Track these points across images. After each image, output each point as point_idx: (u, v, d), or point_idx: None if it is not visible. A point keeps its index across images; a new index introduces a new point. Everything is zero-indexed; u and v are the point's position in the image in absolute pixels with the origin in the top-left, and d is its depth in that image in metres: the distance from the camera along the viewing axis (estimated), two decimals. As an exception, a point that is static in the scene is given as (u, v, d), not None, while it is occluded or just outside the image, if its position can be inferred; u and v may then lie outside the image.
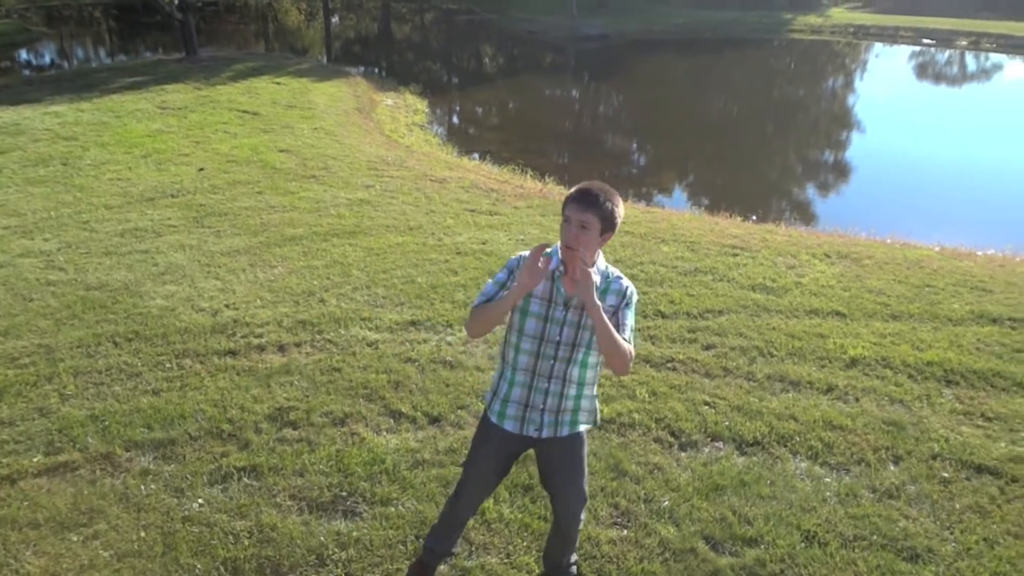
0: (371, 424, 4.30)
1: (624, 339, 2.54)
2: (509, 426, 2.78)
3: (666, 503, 3.75)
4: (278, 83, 16.22)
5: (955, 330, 5.72)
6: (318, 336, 5.27)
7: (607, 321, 2.48)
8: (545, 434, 2.77)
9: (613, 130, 19.07)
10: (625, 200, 10.62)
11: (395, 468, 3.91)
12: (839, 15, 42.27)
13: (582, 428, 2.82)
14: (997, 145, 16.33)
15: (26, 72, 21.11)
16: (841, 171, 14.97)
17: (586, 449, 2.91)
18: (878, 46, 34.92)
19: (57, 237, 6.96)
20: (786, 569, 3.39)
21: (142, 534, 3.44)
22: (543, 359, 2.67)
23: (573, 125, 18.99)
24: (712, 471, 4.01)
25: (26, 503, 3.60)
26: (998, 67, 30.39)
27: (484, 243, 7.21)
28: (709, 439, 4.31)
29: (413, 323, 5.52)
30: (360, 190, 8.84)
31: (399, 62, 27.08)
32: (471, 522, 3.42)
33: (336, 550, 3.38)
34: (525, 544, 3.45)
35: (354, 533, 3.47)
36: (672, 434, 4.32)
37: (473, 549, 3.42)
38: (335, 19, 39.02)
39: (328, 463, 3.94)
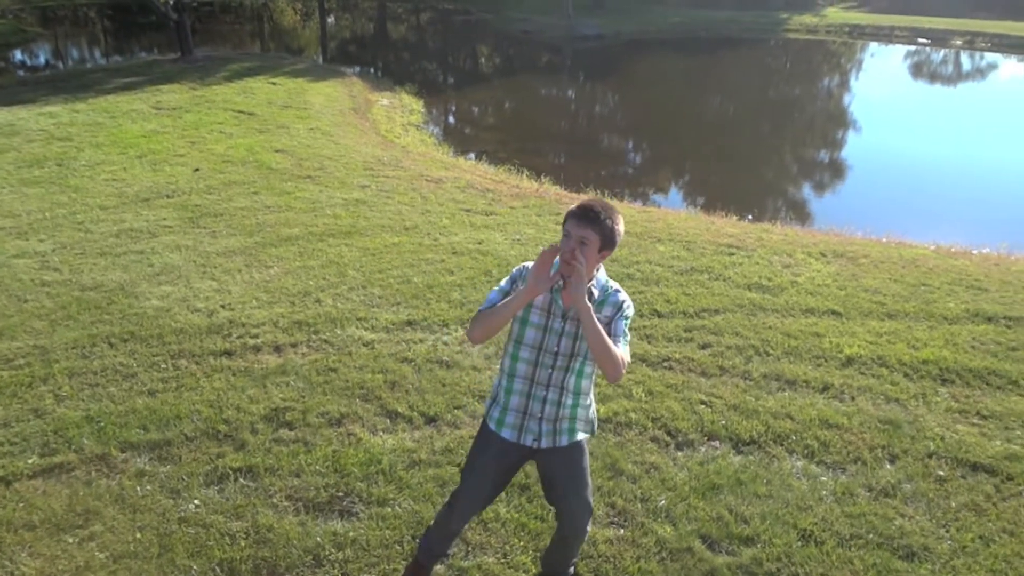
0: (367, 424, 4.30)
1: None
2: (507, 434, 2.79)
3: (663, 502, 3.75)
4: (274, 83, 16.20)
5: (951, 329, 5.73)
6: (314, 336, 5.26)
7: (598, 324, 2.50)
8: (544, 444, 2.77)
9: (609, 130, 19.08)
10: (621, 200, 10.61)
11: (391, 468, 3.91)
12: (835, 15, 42.29)
13: (580, 437, 2.83)
14: (992, 144, 16.37)
15: (21, 72, 21.04)
16: (837, 170, 14.99)
17: (587, 459, 2.91)
18: (873, 45, 34.95)
19: (52, 238, 6.94)
20: (782, 568, 3.39)
21: (138, 535, 3.43)
22: (541, 368, 2.70)
23: (569, 125, 18.99)
24: (708, 470, 4.01)
25: (21, 504, 3.59)
26: (993, 66, 30.46)
27: (480, 243, 7.21)
28: (705, 438, 4.31)
29: (409, 323, 5.52)
30: (356, 190, 8.83)
31: (395, 62, 27.05)
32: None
33: (332, 550, 3.38)
34: (522, 544, 3.45)
35: (350, 533, 3.47)
36: (668, 433, 4.33)
37: (470, 549, 3.41)
38: (331, 19, 38.99)
39: (324, 463, 3.93)
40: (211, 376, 4.71)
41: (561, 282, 2.55)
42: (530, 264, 2.59)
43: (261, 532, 3.46)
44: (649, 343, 5.34)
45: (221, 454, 3.99)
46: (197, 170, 9.30)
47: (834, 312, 5.94)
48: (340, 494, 3.73)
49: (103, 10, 34.26)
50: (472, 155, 13.05)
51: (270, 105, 13.87)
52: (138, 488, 3.72)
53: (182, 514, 3.56)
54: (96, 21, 33.73)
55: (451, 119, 18.58)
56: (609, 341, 2.51)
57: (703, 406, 4.59)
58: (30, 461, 3.88)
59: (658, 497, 3.79)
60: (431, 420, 4.36)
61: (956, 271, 6.97)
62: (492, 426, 2.83)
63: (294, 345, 5.15)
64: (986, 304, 6.17)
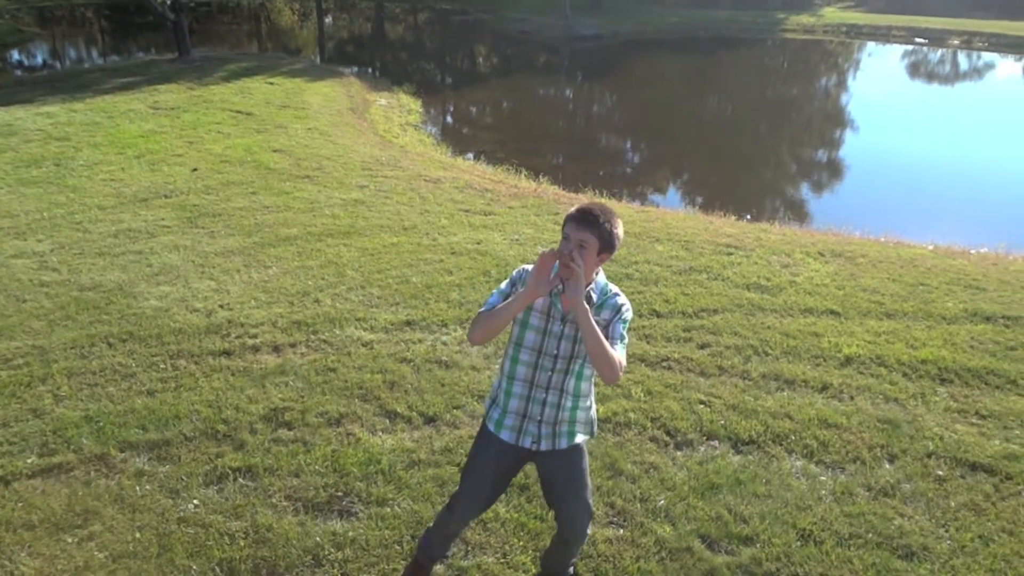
0: (367, 424, 4.30)
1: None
2: (505, 436, 2.79)
3: (662, 502, 3.75)
4: (271, 83, 16.19)
5: (949, 328, 5.74)
6: (313, 336, 5.26)
7: (595, 326, 2.50)
8: (543, 447, 2.77)
9: (607, 130, 19.09)
10: (619, 199, 10.61)
11: (391, 468, 3.90)
12: (832, 14, 42.37)
13: (580, 439, 2.83)
14: (990, 143, 16.40)
15: (18, 73, 21.01)
16: (835, 170, 15.01)
17: (587, 462, 2.91)
18: (871, 45, 35.02)
19: (50, 238, 6.93)
20: (782, 567, 3.39)
21: (137, 535, 3.43)
22: (541, 370, 2.70)
23: (567, 125, 19.00)
24: (708, 470, 4.01)
25: (20, 504, 3.58)
26: (990, 66, 30.54)
27: (479, 243, 7.21)
28: (705, 438, 4.31)
29: (408, 323, 5.52)
30: (354, 190, 8.83)
31: (393, 62, 27.04)
32: (467, 522, 3.42)
33: (332, 550, 3.37)
34: (521, 544, 3.45)
35: (350, 533, 3.47)
36: (668, 433, 4.33)
37: (469, 549, 3.41)
38: (328, 19, 38.96)
39: (324, 463, 3.93)
40: (210, 376, 4.71)
41: (560, 286, 2.56)
42: (530, 266, 2.59)
43: (260, 532, 3.46)
44: (648, 343, 5.34)
45: (220, 454, 3.99)
46: (195, 170, 9.29)
47: (832, 312, 5.95)
48: (339, 494, 3.72)
49: (100, 10, 34.21)
50: (470, 155, 13.05)
51: (268, 105, 13.86)
52: (137, 488, 3.72)
53: (181, 514, 3.56)
54: (93, 21, 33.68)
55: (449, 119, 18.57)
56: (606, 343, 2.51)
57: (702, 406, 4.59)
58: (29, 461, 3.88)
59: (657, 497, 3.79)
60: (430, 420, 4.36)
61: (954, 271, 6.99)
62: (491, 427, 2.83)
63: (293, 345, 5.14)
64: (984, 304, 6.18)
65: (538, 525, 3.53)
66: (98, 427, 4.15)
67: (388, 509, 3.62)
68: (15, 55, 24.15)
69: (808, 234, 8.38)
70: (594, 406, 2.89)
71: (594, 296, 2.61)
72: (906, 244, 8.04)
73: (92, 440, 4.05)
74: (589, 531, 3.02)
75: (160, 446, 4.03)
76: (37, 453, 3.95)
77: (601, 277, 2.67)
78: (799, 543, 3.54)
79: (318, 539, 3.43)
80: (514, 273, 2.73)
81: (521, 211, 8.39)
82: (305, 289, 6.01)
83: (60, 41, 28.71)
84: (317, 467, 3.90)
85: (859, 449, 4.24)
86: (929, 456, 4.20)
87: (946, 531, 3.66)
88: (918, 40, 34.97)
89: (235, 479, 3.81)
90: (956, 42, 34.26)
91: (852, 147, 16.62)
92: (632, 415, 4.45)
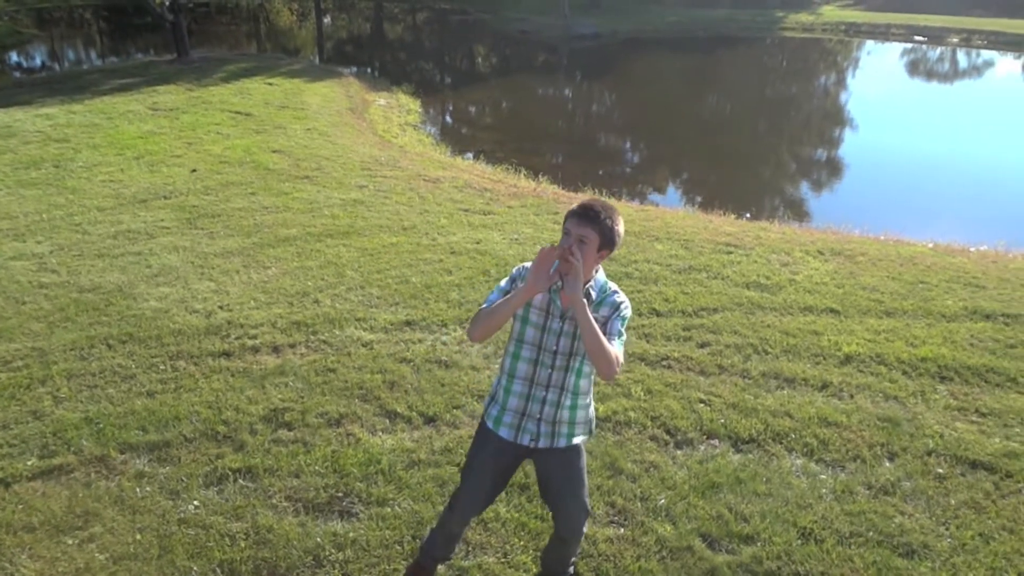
0: (367, 425, 4.30)
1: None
2: (504, 433, 2.79)
3: (662, 501, 3.75)
4: (270, 84, 16.18)
5: (949, 326, 5.74)
6: (312, 337, 5.26)
7: (593, 321, 2.50)
8: (542, 444, 2.77)
9: (606, 129, 19.08)
10: (619, 199, 10.61)
11: (391, 468, 3.90)
12: (831, 13, 42.35)
13: (578, 439, 2.83)
14: (989, 141, 16.40)
15: (17, 74, 21.00)
16: (834, 168, 15.01)
17: (584, 461, 2.90)
18: (870, 43, 35.01)
19: (49, 239, 6.93)
20: (782, 566, 3.39)
21: (138, 537, 3.43)
22: (541, 367, 2.70)
23: (567, 124, 18.99)
24: (708, 469, 4.01)
25: (20, 506, 3.58)
26: (989, 64, 30.55)
27: (478, 243, 7.20)
28: (705, 437, 4.31)
29: (408, 323, 5.52)
30: (354, 190, 8.83)
31: (392, 62, 27.04)
32: (468, 522, 3.41)
33: (333, 551, 3.37)
34: (522, 544, 3.45)
35: (350, 534, 3.47)
36: (668, 432, 4.33)
37: (470, 549, 3.41)
38: (327, 19, 38.95)
39: (324, 464, 3.93)
40: (210, 377, 4.71)
41: (560, 282, 2.56)
42: (529, 264, 2.59)
43: (261, 533, 3.46)
44: (648, 342, 5.34)
45: (220, 455, 3.98)
46: (194, 171, 9.28)
47: (832, 310, 5.95)
48: (340, 494, 3.72)
49: (99, 11, 34.18)
50: (470, 155, 13.04)
51: (267, 106, 13.85)
52: (137, 489, 3.72)
53: (182, 515, 3.56)
54: (92, 22, 33.65)
55: (448, 119, 18.56)
56: (604, 339, 2.51)
57: (702, 405, 4.59)
58: (29, 463, 3.88)
59: (658, 496, 3.79)
60: (430, 420, 4.36)
61: (954, 269, 6.99)
62: (490, 424, 2.84)
63: (292, 346, 5.14)
64: (984, 301, 6.18)
65: (538, 525, 3.52)
66: (98, 429, 4.15)
67: (388, 509, 3.62)
68: (14, 57, 24.15)
69: (807, 232, 8.38)
70: (593, 404, 2.89)
71: (593, 293, 2.61)
72: (905, 242, 8.04)
73: (92, 442, 4.05)
74: (587, 530, 3.02)
75: (160, 447, 4.03)
76: (37, 455, 3.95)
77: (601, 275, 2.67)
78: (800, 541, 3.54)
79: (319, 540, 3.43)
80: (514, 270, 2.73)
81: (520, 210, 8.39)
82: (304, 289, 6.00)
83: (59, 42, 28.71)
84: (317, 468, 3.90)
85: (859, 447, 4.24)
86: (929, 454, 4.20)
87: (946, 529, 3.66)
88: (917, 38, 34.98)
89: (235, 480, 3.81)
90: (955, 40, 34.27)
91: (851, 145, 16.62)
92: (632, 414, 4.45)
